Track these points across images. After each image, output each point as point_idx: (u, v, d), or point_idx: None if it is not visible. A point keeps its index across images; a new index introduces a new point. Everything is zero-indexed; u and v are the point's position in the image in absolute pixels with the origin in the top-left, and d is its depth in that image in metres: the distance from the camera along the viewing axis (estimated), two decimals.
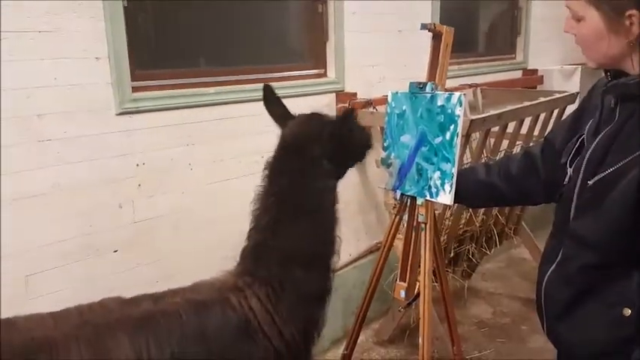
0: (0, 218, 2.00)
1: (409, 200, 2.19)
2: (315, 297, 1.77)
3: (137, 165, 2.37)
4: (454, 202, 2.06)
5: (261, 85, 2.72)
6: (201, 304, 1.60)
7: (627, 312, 1.36)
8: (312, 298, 1.76)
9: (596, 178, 1.40)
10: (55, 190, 2.14)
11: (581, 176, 1.45)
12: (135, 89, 2.33)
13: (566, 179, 1.53)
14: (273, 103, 1.90)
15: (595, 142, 1.44)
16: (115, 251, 2.35)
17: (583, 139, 1.51)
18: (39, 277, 2.14)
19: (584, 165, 1.45)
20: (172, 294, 1.66)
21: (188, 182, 2.56)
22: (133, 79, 2.32)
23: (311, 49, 3.15)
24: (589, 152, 1.45)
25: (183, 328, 1.53)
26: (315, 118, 1.85)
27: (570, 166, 1.52)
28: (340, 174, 1.87)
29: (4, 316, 1.51)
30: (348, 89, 3.23)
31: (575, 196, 1.46)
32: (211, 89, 2.59)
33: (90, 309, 1.54)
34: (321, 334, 1.84)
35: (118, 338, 1.44)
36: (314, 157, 1.74)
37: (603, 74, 1.48)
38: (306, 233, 1.73)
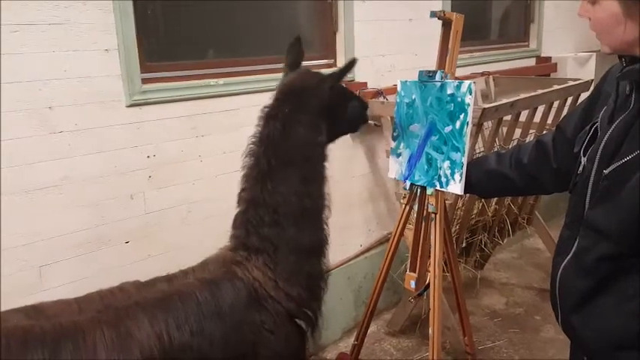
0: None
1: (419, 190, 2.18)
2: (311, 251, 1.80)
3: (148, 157, 2.38)
4: (465, 192, 2.05)
5: (269, 76, 2.77)
6: (212, 283, 1.66)
7: None
8: (307, 253, 1.79)
9: (612, 167, 1.36)
10: (66, 182, 2.16)
11: (596, 165, 1.41)
12: (144, 81, 2.33)
13: (580, 169, 1.50)
14: (293, 53, 1.95)
15: (610, 130, 1.40)
16: (127, 242, 2.37)
17: (596, 127, 1.48)
18: (52, 268, 2.16)
19: (599, 154, 1.41)
20: (183, 274, 1.73)
21: (198, 173, 2.57)
22: (143, 70, 2.32)
23: (321, 39, 3.14)
24: (604, 141, 1.41)
25: (200, 308, 1.59)
26: (314, 72, 1.91)
27: (584, 155, 1.48)
28: (330, 136, 1.88)
29: (18, 306, 1.54)
30: (358, 79, 3.21)
31: (590, 185, 1.43)
32: (221, 80, 2.59)
33: (110, 293, 1.60)
34: (326, 289, 1.88)
35: (138, 320, 1.50)
36: (305, 107, 1.77)
37: (618, 60, 1.45)
38: (291, 185, 1.74)
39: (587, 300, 1.44)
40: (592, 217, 1.42)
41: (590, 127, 1.50)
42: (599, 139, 1.44)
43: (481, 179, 1.98)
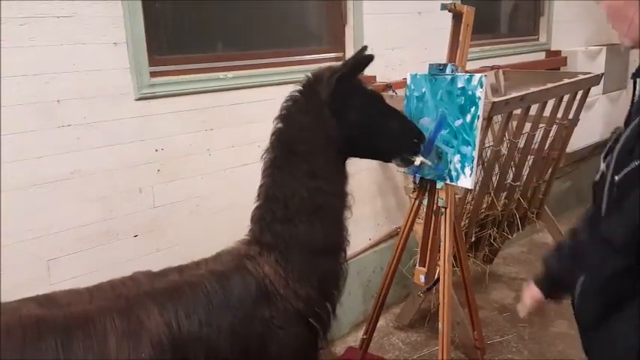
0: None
1: (429, 184, 2.16)
2: (325, 251, 1.76)
3: (156, 150, 2.37)
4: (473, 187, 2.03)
5: (279, 70, 2.76)
6: (222, 275, 1.66)
7: None
8: (320, 253, 1.75)
9: (622, 173, 1.28)
10: (75, 176, 2.15)
11: (610, 171, 1.33)
12: (153, 74, 2.32)
13: (598, 176, 1.41)
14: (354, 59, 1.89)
15: (625, 134, 1.31)
16: (136, 236, 2.37)
17: (620, 132, 1.37)
18: (60, 262, 2.16)
19: (614, 159, 1.33)
20: (196, 265, 1.73)
21: (207, 167, 2.56)
22: (151, 64, 2.31)
23: (330, 33, 3.11)
24: (619, 145, 1.32)
25: (209, 298, 1.60)
26: (334, 66, 1.85)
27: (603, 161, 1.39)
28: (353, 144, 1.81)
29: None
30: (367, 72, 3.15)
31: (605, 193, 1.35)
32: (229, 74, 2.58)
33: (122, 283, 1.61)
34: (342, 291, 1.85)
35: (148, 309, 1.51)
36: (313, 95, 1.75)
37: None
38: (299, 178, 1.71)
39: (604, 317, 1.38)
40: (604, 228, 1.34)
41: (614, 131, 1.41)
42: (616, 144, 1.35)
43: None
